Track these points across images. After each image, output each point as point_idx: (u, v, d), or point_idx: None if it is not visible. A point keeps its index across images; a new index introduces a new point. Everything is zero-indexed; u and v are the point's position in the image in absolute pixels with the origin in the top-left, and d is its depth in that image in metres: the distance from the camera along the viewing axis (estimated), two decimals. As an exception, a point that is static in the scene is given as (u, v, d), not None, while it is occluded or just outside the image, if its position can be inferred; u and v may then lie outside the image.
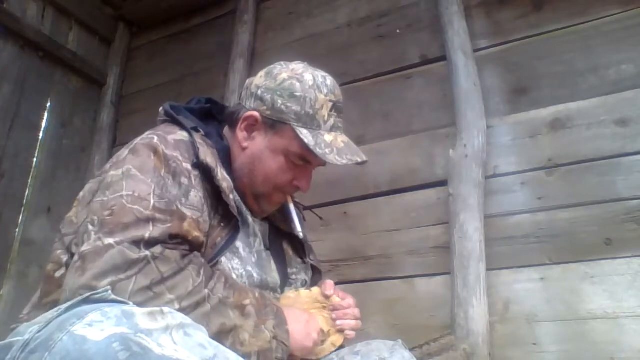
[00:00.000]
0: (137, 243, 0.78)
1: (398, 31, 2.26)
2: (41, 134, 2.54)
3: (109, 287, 0.70)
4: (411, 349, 1.15)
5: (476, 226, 1.77)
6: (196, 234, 0.87)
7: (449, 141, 1.95)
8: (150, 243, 0.79)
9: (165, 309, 0.66)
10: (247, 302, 0.87)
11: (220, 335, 0.79)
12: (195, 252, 0.87)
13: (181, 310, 0.76)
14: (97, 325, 0.58)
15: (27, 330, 0.60)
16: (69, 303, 0.63)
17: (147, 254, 0.77)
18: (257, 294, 0.91)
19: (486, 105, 1.94)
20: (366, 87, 2.25)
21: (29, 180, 2.44)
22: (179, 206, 0.87)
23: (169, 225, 0.82)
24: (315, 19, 2.50)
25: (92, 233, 0.79)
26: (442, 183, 1.92)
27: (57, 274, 0.90)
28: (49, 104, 2.59)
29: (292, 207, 1.12)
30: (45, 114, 2.57)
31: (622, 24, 1.82)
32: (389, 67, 2.22)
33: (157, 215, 0.82)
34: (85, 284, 0.73)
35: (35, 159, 2.49)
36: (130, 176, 0.86)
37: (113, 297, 0.66)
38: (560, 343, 1.59)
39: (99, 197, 0.86)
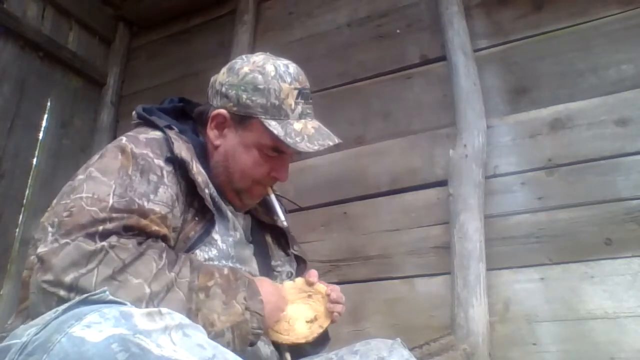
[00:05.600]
0: (91, 236, 0.78)
1: (398, 31, 2.26)
2: (41, 134, 2.53)
3: (104, 290, 0.69)
4: (411, 349, 1.15)
5: (476, 226, 1.77)
6: (156, 228, 0.86)
7: (449, 141, 1.95)
8: (104, 235, 0.79)
9: (164, 310, 0.65)
10: (211, 283, 0.86)
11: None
12: (154, 238, 0.86)
13: (153, 294, 0.77)
14: (95, 326, 0.58)
15: (25, 333, 0.59)
16: (67, 304, 0.62)
17: (103, 244, 0.77)
18: (225, 271, 0.90)
19: (486, 105, 1.94)
20: (366, 87, 2.25)
21: (29, 180, 2.44)
22: (145, 203, 0.87)
23: (124, 221, 0.82)
24: (315, 19, 2.50)
25: (50, 234, 0.79)
26: (442, 183, 1.92)
27: None
28: (49, 104, 2.59)
29: (273, 197, 1.13)
30: (45, 114, 2.57)
31: (622, 24, 1.82)
32: (389, 67, 2.22)
33: (114, 215, 0.82)
34: (47, 280, 0.74)
35: (35, 159, 2.48)
36: (91, 178, 0.87)
37: (111, 297, 0.65)
38: (560, 343, 1.59)
39: (62, 200, 0.86)
